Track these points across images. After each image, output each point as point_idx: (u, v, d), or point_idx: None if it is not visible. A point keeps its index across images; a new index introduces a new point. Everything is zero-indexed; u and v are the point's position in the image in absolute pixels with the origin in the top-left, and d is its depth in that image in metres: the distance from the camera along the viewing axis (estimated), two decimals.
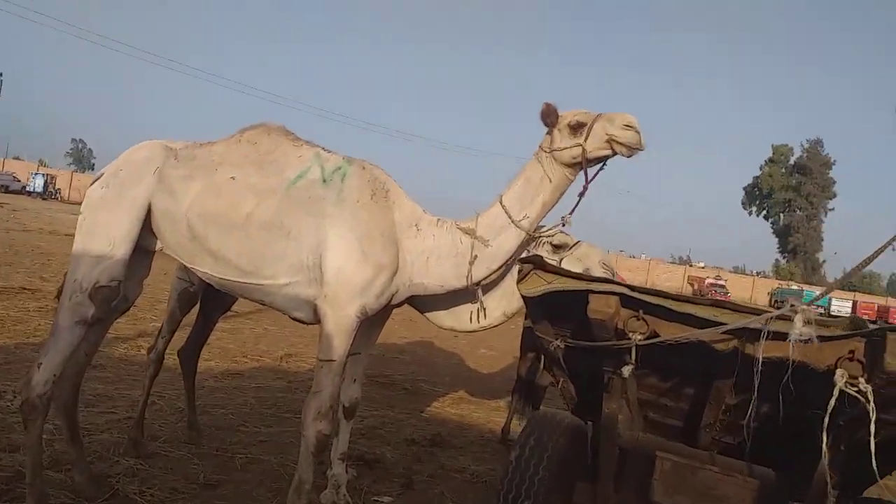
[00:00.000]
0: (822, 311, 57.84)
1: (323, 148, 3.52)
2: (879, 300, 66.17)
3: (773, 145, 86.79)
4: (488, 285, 3.63)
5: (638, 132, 3.10)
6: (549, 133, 3.29)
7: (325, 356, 3.16)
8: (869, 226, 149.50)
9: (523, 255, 3.41)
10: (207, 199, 3.28)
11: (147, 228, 3.38)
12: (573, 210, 3.43)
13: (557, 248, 4.61)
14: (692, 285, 61.93)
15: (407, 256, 3.37)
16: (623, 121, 3.10)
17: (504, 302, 3.77)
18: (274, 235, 3.20)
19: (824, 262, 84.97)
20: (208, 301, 4.59)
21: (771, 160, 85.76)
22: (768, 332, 2.22)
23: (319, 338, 3.20)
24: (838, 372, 2.17)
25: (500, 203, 3.39)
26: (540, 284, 2.75)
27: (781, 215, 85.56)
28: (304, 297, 3.24)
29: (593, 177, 3.33)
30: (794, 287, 64.32)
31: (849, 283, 80.00)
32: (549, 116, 3.25)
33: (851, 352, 2.21)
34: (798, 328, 2.16)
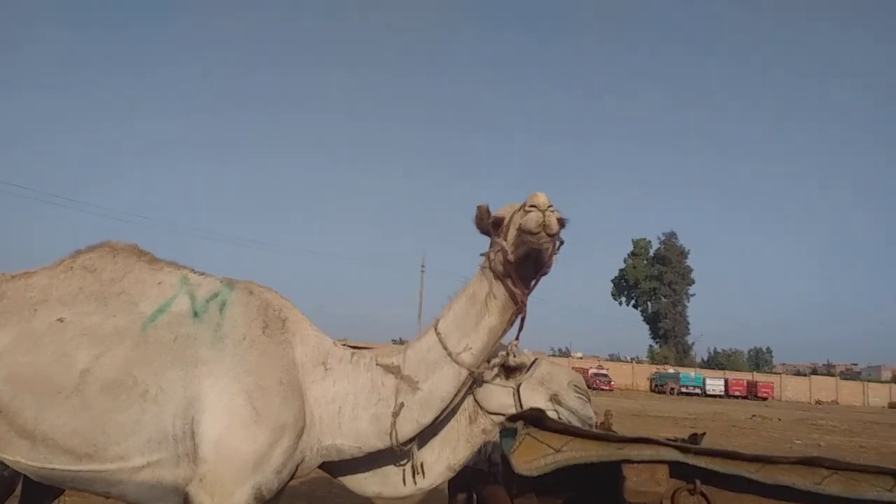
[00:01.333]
0: (699, 391, 60.82)
1: (192, 270, 2.90)
2: (747, 376, 70.09)
3: (633, 239, 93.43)
4: (425, 432, 2.87)
5: (541, 211, 2.53)
6: (491, 240, 2.77)
7: None
8: (725, 306, 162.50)
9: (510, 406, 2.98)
10: (20, 354, 2.37)
11: None
12: (518, 334, 2.91)
13: (512, 370, 3.67)
14: None
15: (314, 409, 2.70)
16: (528, 203, 2.58)
17: (447, 451, 3.14)
18: (123, 398, 2.41)
19: (693, 343, 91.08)
20: (31, 488, 3.39)
21: (633, 253, 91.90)
22: None
23: None
24: None
25: (435, 330, 2.78)
26: (542, 454, 2.04)
27: (649, 303, 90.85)
28: (169, 482, 2.40)
29: (532, 286, 2.76)
30: (671, 370, 66.99)
31: (717, 363, 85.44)
32: (482, 220, 2.77)
33: None
34: None
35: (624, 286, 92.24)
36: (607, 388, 57.21)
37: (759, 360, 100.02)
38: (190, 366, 2.55)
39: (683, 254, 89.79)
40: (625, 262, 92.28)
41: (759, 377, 70.53)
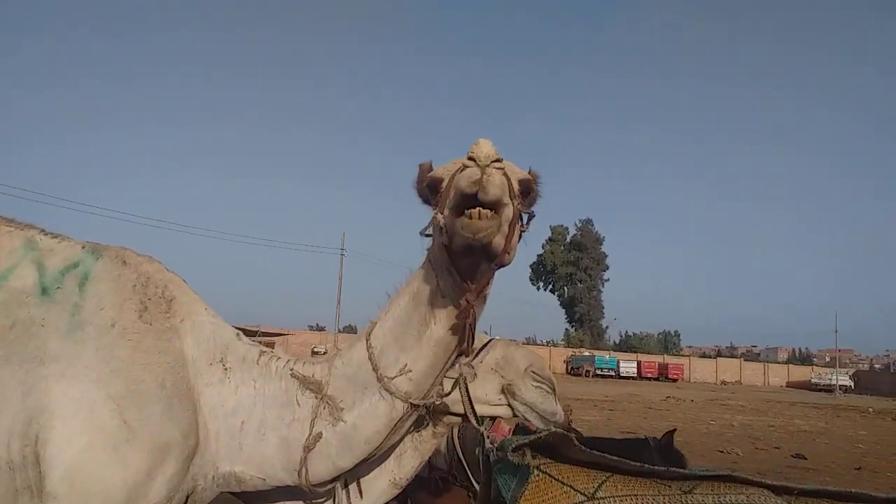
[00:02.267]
0: (613, 373, 62.24)
1: (43, 231, 2.22)
2: (658, 358, 72.45)
3: (550, 226, 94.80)
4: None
5: (479, 167, 1.82)
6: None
7: None
8: (638, 291, 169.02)
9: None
10: None
11: None
12: (471, 340, 2.15)
13: None
14: None
15: (209, 422, 2.13)
16: (467, 154, 1.88)
17: (391, 463, 2.67)
18: None
19: (607, 327, 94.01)
20: None
21: (551, 239, 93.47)
22: None
23: None
24: None
25: (367, 342, 2.21)
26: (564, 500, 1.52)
27: (566, 288, 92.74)
28: None
29: (483, 282, 2.07)
30: (587, 353, 68.45)
31: (629, 346, 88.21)
32: (422, 184, 2.10)
33: None
34: None
35: (542, 271, 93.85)
36: None
37: (668, 342, 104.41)
38: (33, 363, 1.90)
39: (599, 240, 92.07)
40: (543, 247, 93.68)
41: (670, 359, 73.16)
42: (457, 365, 2.38)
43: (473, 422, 2.72)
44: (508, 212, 1.89)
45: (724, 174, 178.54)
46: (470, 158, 1.83)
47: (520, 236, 2.05)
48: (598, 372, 62.51)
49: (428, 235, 2.15)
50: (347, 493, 2.58)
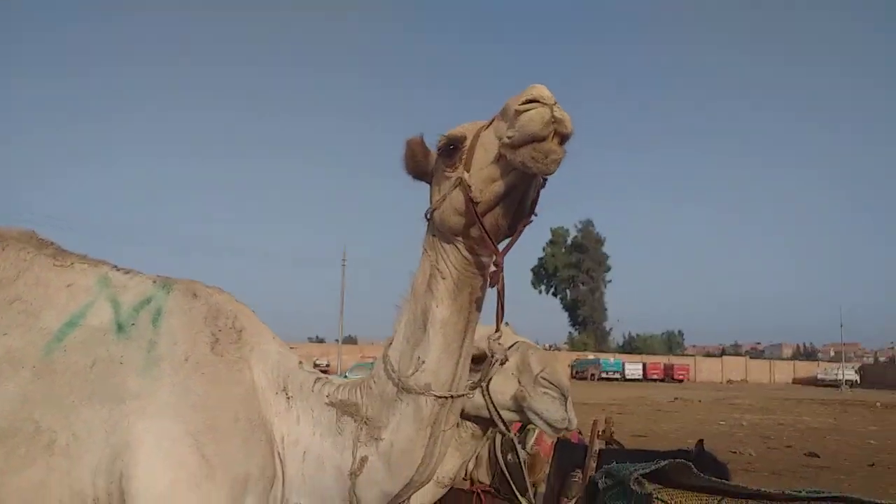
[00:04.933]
0: (619, 376, 62.05)
1: (114, 266, 2.25)
2: (664, 359, 72.28)
3: (551, 228, 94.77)
4: None
5: (547, 105, 1.70)
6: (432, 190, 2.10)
7: None
8: (640, 291, 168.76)
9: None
10: None
11: None
12: (498, 322, 2.06)
13: (476, 360, 2.56)
14: None
15: (280, 453, 2.11)
16: (522, 100, 1.73)
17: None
18: (21, 453, 1.86)
19: (611, 329, 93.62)
20: None
21: (552, 241, 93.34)
22: None
23: None
24: None
25: (385, 355, 2.15)
26: None
27: (568, 291, 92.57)
28: None
29: (510, 242, 1.99)
30: (591, 357, 68.20)
31: (634, 348, 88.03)
32: (414, 159, 2.05)
33: None
34: None
35: (543, 274, 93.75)
36: None
37: (672, 342, 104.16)
38: (115, 401, 1.92)
39: (600, 241, 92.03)
40: (543, 250, 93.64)
41: (675, 360, 73.03)
42: (486, 343, 2.23)
43: (501, 427, 2.67)
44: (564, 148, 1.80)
45: (723, 168, 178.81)
46: (529, 101, 1.72)
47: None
48: (604, 375, 62.33)
49: (429, 218, 2.07)
50: None
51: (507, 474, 3.34)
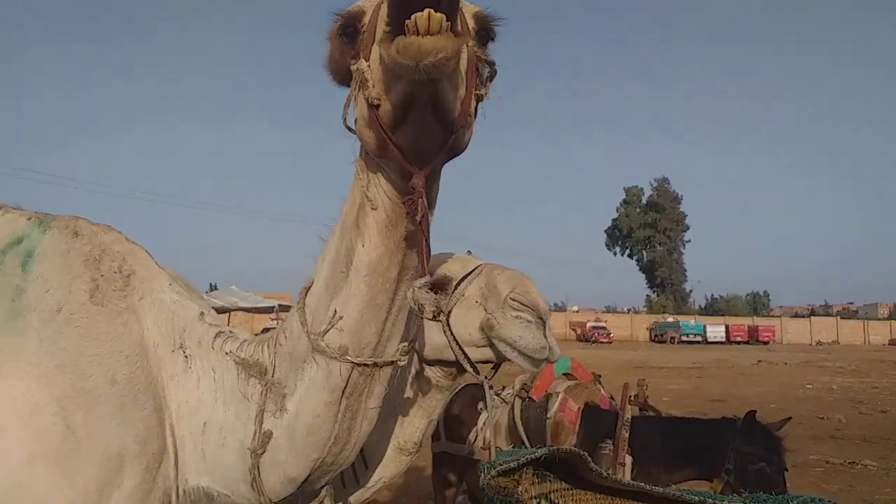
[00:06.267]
0: (700, 339, 60.29)
1: None
2: (747, 321, 69.66)
3: (624, 188, 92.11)
4: None
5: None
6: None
7: None
8: (721, 251, 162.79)
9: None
10: None
11: None
12: (424, 252, 1.54)
13: (436, 288, 2.16)
14: (575, 330, 62.28)
15: (176, 423, 1.77)
16: None
17: (391, 424, 2.29)
18: None
19: (691, 290, 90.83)
20: None
21: (625, 201, 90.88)
22: None
23: None
24: None
25: (302, 300, 1.77)
26: None
27: (644, 252, 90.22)
28: None
29: (432, 161, 1.47)
30: (671, 319, 66.53)
31: (716, 310, 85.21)
32: (332, 56, 1.58)
33: None
34: None
35: (618, 236, 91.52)
36: (606, 340, 56.51)
37: (757, 303, 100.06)
38: None
39: (677, 199, 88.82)
40: (617, 210, 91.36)
41: (760, 321, 70.13)
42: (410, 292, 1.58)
43: (469, 369, 2.23)
44: (461, 51, 1.26)
45: (808, 120, 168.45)
46: None
47: (477, 103, 1.49)
48: (684, 338, 60.60)
49: (351, 129, 1.57)
50: (352, 465, 2.17)
51: (528, 445, 3.05)
